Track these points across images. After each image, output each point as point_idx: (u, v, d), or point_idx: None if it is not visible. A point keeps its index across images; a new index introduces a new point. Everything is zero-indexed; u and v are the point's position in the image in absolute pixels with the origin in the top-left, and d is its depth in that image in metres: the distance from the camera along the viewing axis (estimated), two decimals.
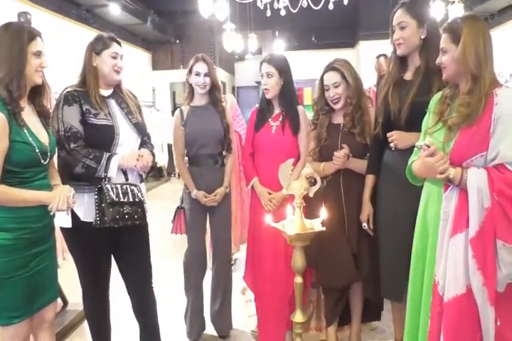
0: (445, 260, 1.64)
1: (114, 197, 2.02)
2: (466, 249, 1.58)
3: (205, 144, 2.66)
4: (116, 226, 2.06)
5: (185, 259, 2.77)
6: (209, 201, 2.65)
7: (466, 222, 1.60)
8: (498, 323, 1.58)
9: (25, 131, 1.76)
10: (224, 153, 2.76)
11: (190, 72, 2.65)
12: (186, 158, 2.77)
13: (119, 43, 2.21)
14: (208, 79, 2.64)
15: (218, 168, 2.73)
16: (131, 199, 2.08)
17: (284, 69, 2.53)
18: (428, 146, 1.62)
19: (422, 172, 1.72)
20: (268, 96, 2.56)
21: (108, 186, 2.04)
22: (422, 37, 2.05)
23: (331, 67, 2.39)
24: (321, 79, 2.43)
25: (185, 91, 2.75)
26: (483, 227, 1.56)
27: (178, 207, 2.67)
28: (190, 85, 2.69)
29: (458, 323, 1.60)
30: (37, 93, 1.88)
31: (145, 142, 2.31)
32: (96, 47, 2.15)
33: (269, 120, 2.60)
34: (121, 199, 2.05)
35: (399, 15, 2.08)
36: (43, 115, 1.92)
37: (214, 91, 2.70)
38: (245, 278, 2.77)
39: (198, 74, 2.62)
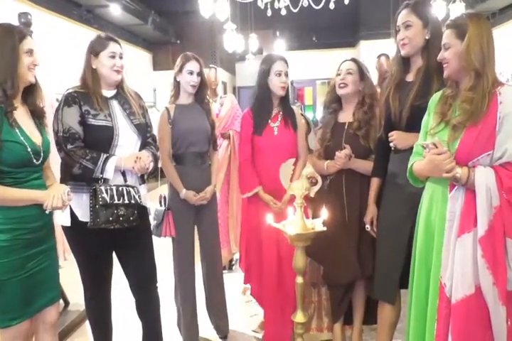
0: (452, 261, 1.62)
1: (107, 198, 2.00)
2: (475, 248, 1.57)
3: (194, 142, 2.62)
4: (113, 228, 2.05)
5: (174, 264, 2.72)
6: (199, 199, 2.60)
7: (473, 221, 1.58)
8: (509, 323, 1.57)
9: (17, 130, 1.76)
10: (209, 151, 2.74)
11: (180, 70, 2.61)
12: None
13: (117, 42, 2.19)
14: (199, 79, 2.61)
15: (206, 167, 2.70)
16: (126, 201, 2.05)
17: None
18: (435, 145, 1.61)
19: (426, 171, 1.70)
20: (283, 93, 2.56)
21: (102, 188, 2.02)
22: (427, 37, 2.03)
23: (351, 58, 2.49)
24: (338, 68, 2.48)
25: (171, 89, 2.71)
26: (492, 226, 1.55)
27: (165, 209, 2.56)
28: (178, 83, 2.66)
29: (467, 324, 1.59)
30: (29, 93, 1.87)
31: (149, 143, 2.29)
32: (94, 49, 2.14)
33: (269, 121, 2.60)
34: (116, 201, 2.02)
35: (404, 15, 2.06)
36: (36, 115, 1.91)
37: (202, 89, 2.67)
38: (249, 280, 2.75)
39: (191, 73, 2.58)
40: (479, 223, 1.56)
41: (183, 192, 2.58)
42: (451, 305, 1.62)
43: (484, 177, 1.56)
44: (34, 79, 1.83)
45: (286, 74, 2.54)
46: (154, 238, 2.48)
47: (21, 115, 1.82)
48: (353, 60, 2.47)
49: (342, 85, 2.42)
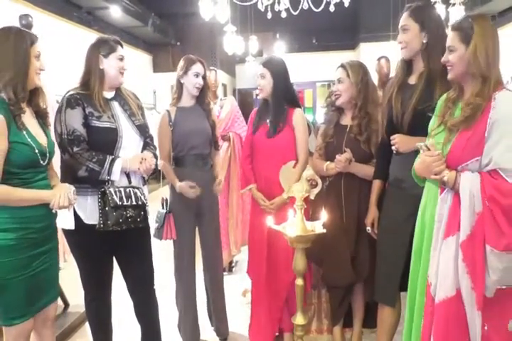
0: (437, 262, 1.65)
1: (117, 200, 2.03)
2: (457, 252, 1.59)
3: (196, 145, 2.62)
4: (120, 229, 2.06)
5: (175, 266, 2.70)
6: (193, 191, 2.54)
7: (458, 225, 1.60)
8: (486, 328, 1.57)
9: (24, 132, 1.79)
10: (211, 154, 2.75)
11: (185, 72, 2.61)
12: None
13: (122, 46, 2.24)
14: (203, 81, 2.63)
15: (208, 169, 2.70)
16: (134, 203, 2.08)
17: (276, 71, 2.52)
18: (427, 147, 1.63)
19: (419, 171, 1.72)
20: (260, 95, 2.58)
21: (111, 190, 2.04)
22: (424, 41, 2.03)
23: (341, 64, 2.47)
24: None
25: (174, 92, 2.70)
26: (474, 232, 1.56)
27: (166, 212, 2.57)
28: (181, 86, 2.65)
29: (446, 325, 1.61)
30: (33, 94, 1.90)
31: (148, 144, 2.30)
32: (103, 50, 2.16)
33: (267, 121, 2.59)
34: (125, 203, 2.05)
35: (403, 19, 2.08)
36: (40, 115, 1.94)
37: (204, 91, 2.68)
38: (249, 275, 2.75)
39: (197, 75, 2.60)
40: (462, 227, 1.58)
41: (178, 185, 2.55)
42: (434, 304, 1.65)
43: (469, 183, 1.56)
44: (40, 83, 1.87)
45: (262, 77, 2.52)
46: (155, 240, 2.49)
47: (27, 116, 1.85)
48: (342, 66, 2.45)
49: (336, 96, 2.44)
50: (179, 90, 2.67)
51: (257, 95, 2.64)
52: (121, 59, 2.19)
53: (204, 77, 2.63)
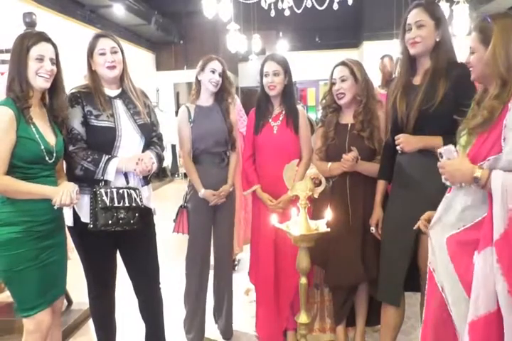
0: (432, 246, 1.68)
1: (107, 201, 2.00)
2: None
3: (213, 143, 2.63)
4: (113, 230, 2.04)
5: (188, 264, 2.71)
6: (216, 198, 2.60)
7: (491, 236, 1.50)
8: None
9: (33, 128, 1.85)
10: (228, 152, 2.74)
11: (202, 69, 2.62)
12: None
13: (107, 36, 2.16)
14: (220, 79, 2.62)
15: (225, 166, 2.70)
16: (127, 204, 2.03)
17: (288, 69, 2.57)
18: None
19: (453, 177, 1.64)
20: (273, 93, 2.55)
21: (102, 190, 2.01)
22: (437, 39, 1.99)
23: (341, 62, 2.43)
24: (331, 74, 2.44)
25: (193, 89, 2.72)
26: (508, 229, 1.46)
27: (180, 206, 2.62)
28: (199, 83, 2.66)
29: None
30: (52, 98, 1.96)
31: (153, 143, 2.28)
32: (88, 52, 2.15)
33: (270, 120, 2.60)
34: (116, 204, 2.01)
35: (416, 14, 2.01)
36: (56, 121, 1.98)
37: (222, 92, 2.68)
38: (250, 276, 2.75)
39: (213, 71, 2.60)
40: (495, 226, 1.48)
41: (202, 192, 2.59)
42: (447, 307, 1.59)
43: (501, 179, 1.48)
44: (46, 85, 1.89)
45: (276, 74, 2.51)
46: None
47: (38, 117, 1.91)
48: (343, 63, 2.41)
49: (340, 96, 2.39)
50: (197, 88, 2.69)
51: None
52: (103, 53, 2.12)
53: (221, 75, 2.62)
